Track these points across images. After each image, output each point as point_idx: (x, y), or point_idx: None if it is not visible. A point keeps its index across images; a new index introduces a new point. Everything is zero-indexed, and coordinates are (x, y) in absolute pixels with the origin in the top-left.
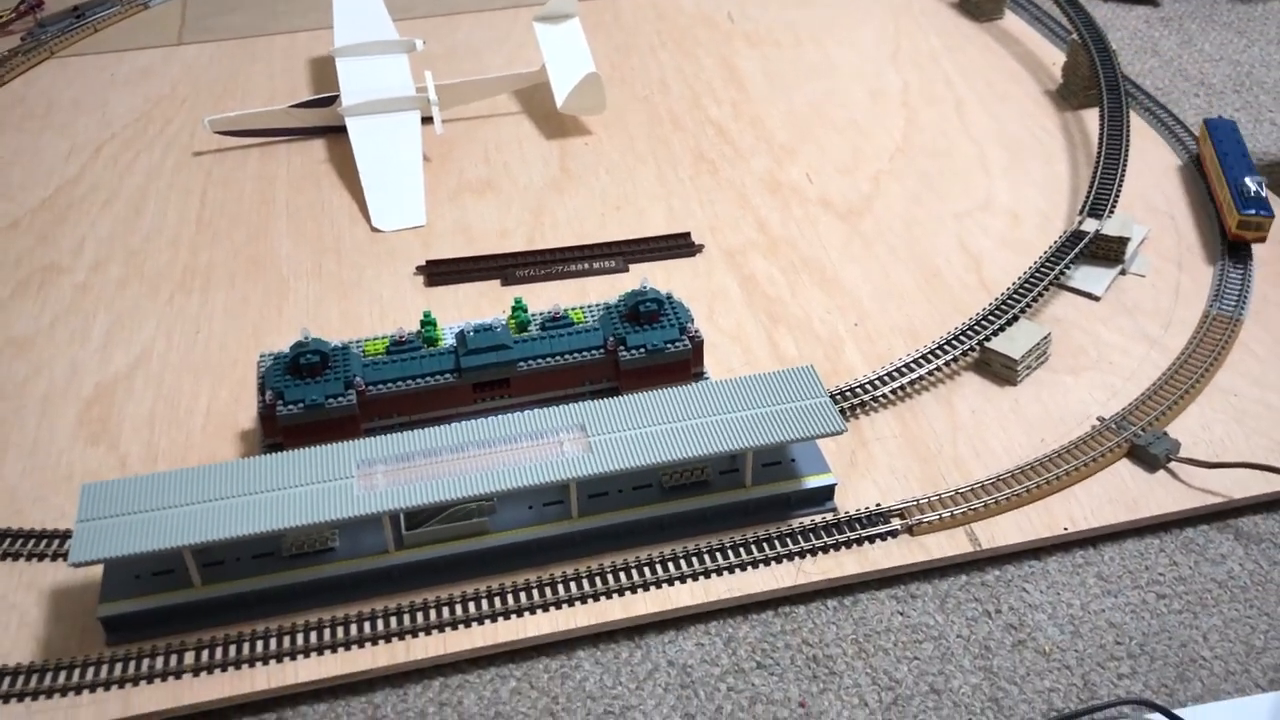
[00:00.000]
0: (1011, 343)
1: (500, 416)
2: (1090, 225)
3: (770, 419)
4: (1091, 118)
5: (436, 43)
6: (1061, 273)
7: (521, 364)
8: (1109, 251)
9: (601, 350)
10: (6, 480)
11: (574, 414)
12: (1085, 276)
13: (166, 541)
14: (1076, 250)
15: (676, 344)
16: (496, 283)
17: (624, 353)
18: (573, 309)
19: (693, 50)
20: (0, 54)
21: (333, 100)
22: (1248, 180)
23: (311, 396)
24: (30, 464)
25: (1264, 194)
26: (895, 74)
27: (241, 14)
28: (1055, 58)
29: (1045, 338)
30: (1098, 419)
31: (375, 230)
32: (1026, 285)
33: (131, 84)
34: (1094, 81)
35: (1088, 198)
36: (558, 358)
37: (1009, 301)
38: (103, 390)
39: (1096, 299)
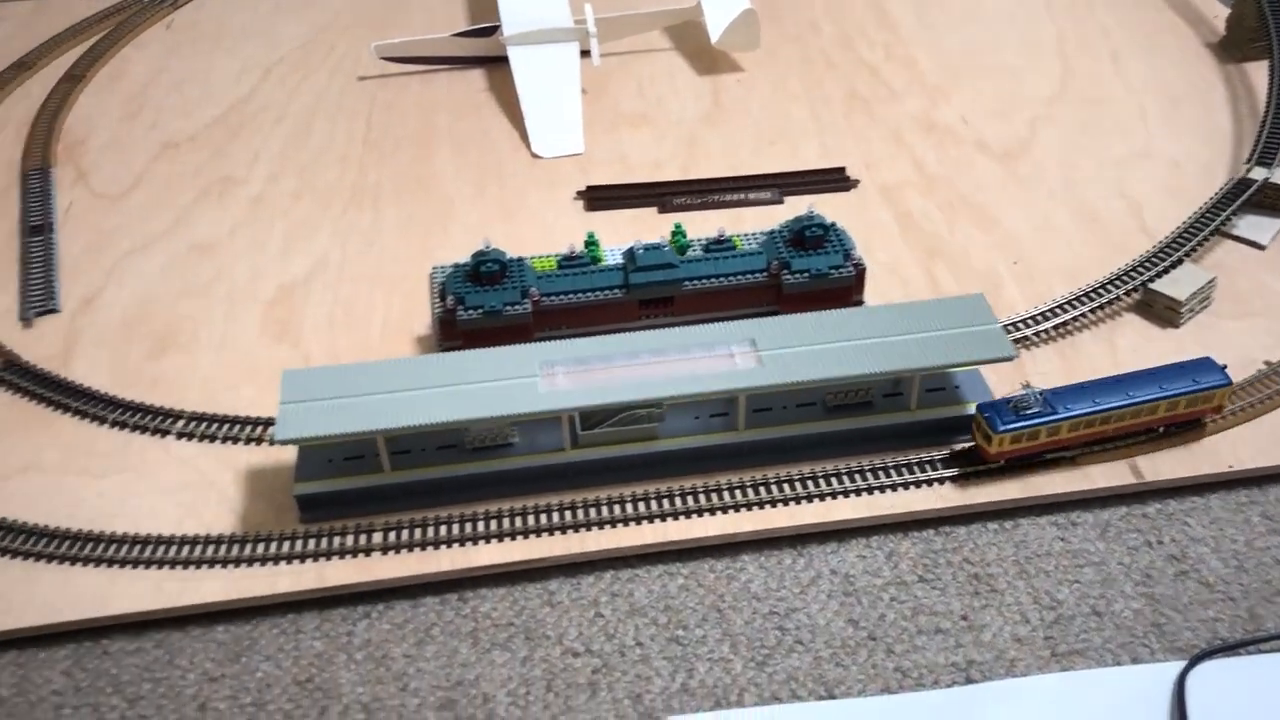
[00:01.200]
0: (1176, 285)
1: (673, 329)
2: (1259, 174)
3: (940, 343)
4: (1255, 71)
5: None
6: (1227, 220)
7: (686, 283)
8: (1276, 200)
9: (764, 273)
10: (201, 370)
11: (745, 329)
12: (1251, 225)
13: (363, 426)
14: (1244, 198)
15: (840, 270)
16: (653, 210)
17: (787, 276)
18: (734, 236)
19: None
20: None
21: (494, 30)
22: None
23: (490, 303)
24: (220, 357)
25: None
26: (1050, 22)
27: None
28: (1216, 10)
29: (1210, 281)
30: (1265, 363)
31: (535, 157)
32: (1190, 231)
33: (296, 11)
34: (1262, 32)
35: (1255, 146)
36: (721, 279)
37: (1172, 246)
38: (283, 293)
39: (1262, 248)
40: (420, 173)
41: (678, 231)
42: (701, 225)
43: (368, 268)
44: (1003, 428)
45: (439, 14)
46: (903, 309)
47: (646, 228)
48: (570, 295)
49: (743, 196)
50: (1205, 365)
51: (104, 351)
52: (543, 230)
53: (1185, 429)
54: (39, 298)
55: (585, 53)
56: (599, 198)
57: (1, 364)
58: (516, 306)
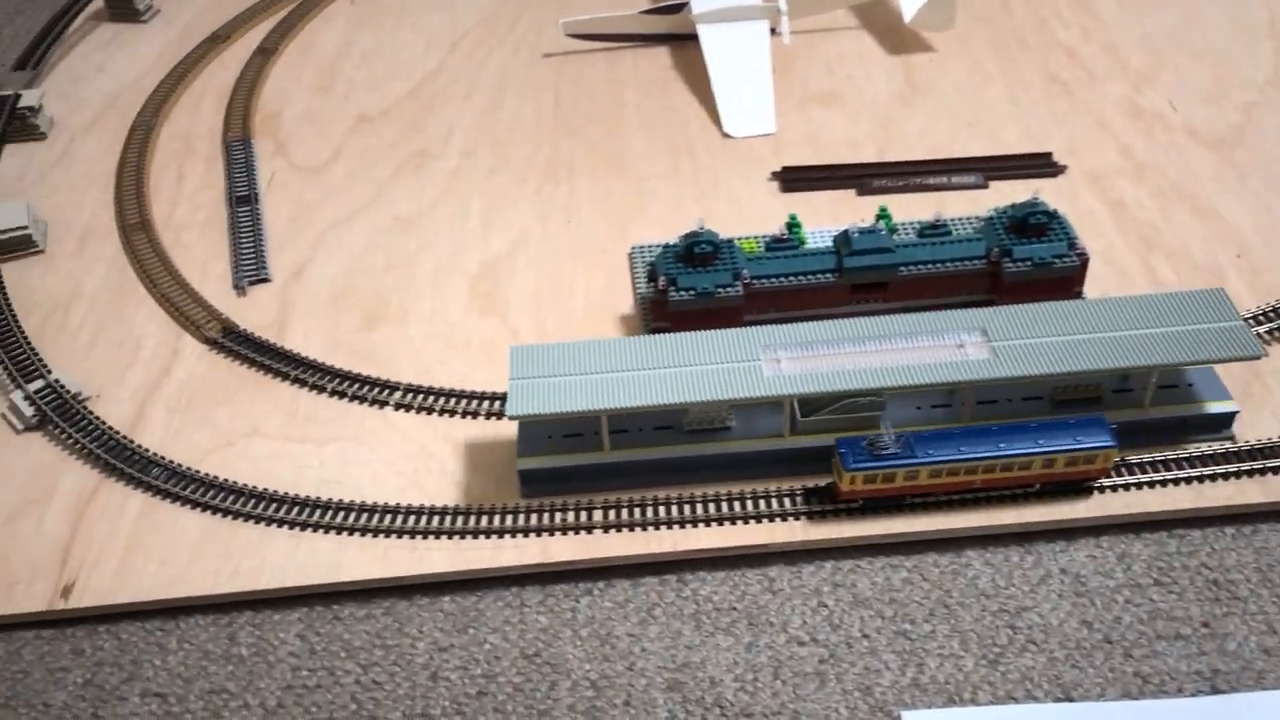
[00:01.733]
0: None
1: (898, 316)
2: None
3: (1180, 339)
4: None
5: None
6: None
7: (902, 269)
8: None
9: (983, 260)
10: (413, 343)
11: (974, 318)
12: None
13: (591, 405)
14: None
15: (1064, 259)
16: (851, 191)
17: (1008, 264)
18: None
19: None
20: None
21: (680, 8)
22: None
23: (703, 284)
24: (430, 330)
25: None
26: (1261, 4)
27: None
28: None
29: None
30: None
31: (726, 136)
32: None
33: None
34: None
35: None
36: (938, 265)
37: None
38: (487, 268)
39: None
40: (612, 150)
41: (883, 215)
42: (903, 209)
43: (567, 244)
44: (853, 466)
45: None
46: (1137, 302)
47: (845, 210)
48: (782, 278)
49: (946, 180)
50: (1092, 424)
51: (315, 321)
52: (738, 210)
53: (1070, 490)
54: (250, 267)
55: (773, 30)
56: (795, 179)
57: (221, 330)
58: (728, 289)
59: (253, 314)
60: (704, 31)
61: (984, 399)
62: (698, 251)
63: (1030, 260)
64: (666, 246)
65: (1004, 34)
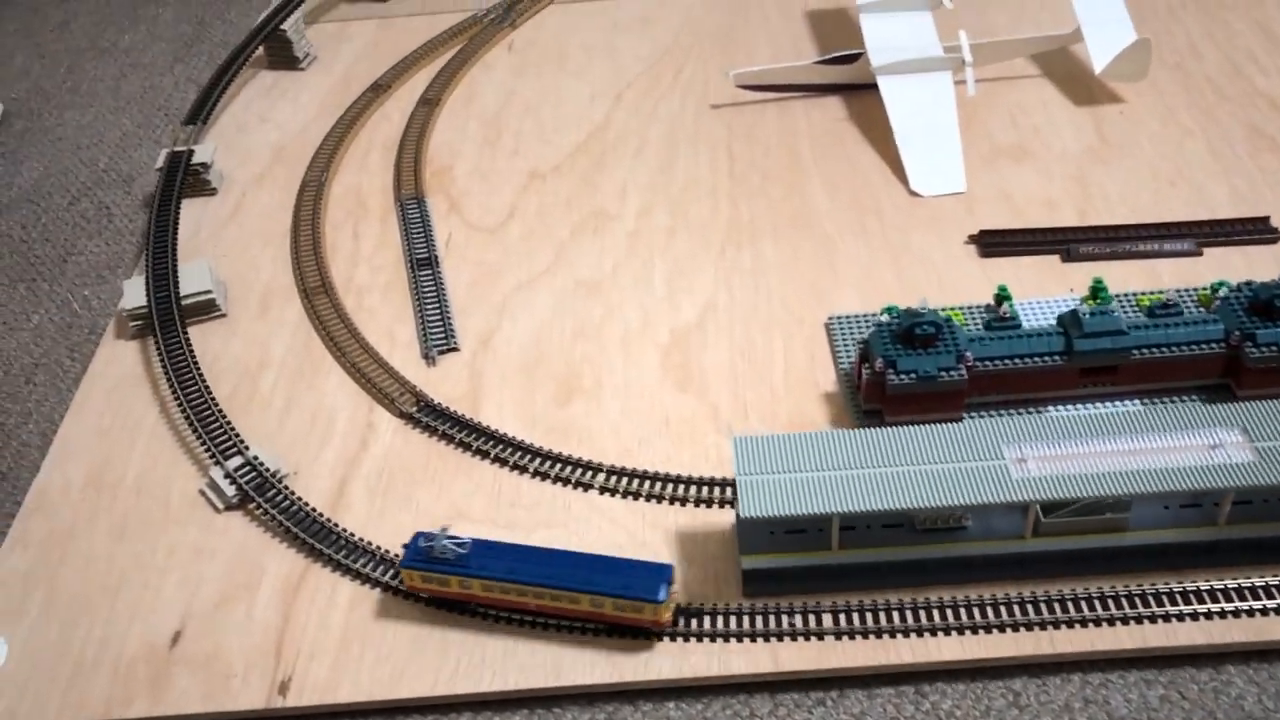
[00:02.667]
0: None
1: (1146, 409)
2: None
3: None
4: None
5: None
6: None
7: (1135, 352)
8: None
9: (1222, 344)
10: (609, 418)
11: (1231, 414)
12: None
13: (828, 506)
14: None
15: None
16: (1055, 258)
17: (1251, 350)
18: (1155, 292)
19: (1218, 13)
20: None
21: (857, 57)
22: None
23: (925, 368)
24: (627, 404)
25: None
26: None
27: None
28: None
29: None
30: None
31: (913, 194)
32: None
33: (635, 31)
34: None
35: None
36: (1173, 348)
37: None
38: (677, 338)
39: None
40: (794, 209)
41: (1099, 288)
42: (1111, 276)
43: (758, 311)
44: (408, 562)
45: (778, 28)
46: None
47: (1050, 278)
48: (1007, 361)
49: (1156, 247)
50: (654, 571)
51: (509, 393)
52: (936, 277)
53: (635, 634)
54: (438, 336)
55: (958, 81)
56: (995, 244)
57: (415, 404)
58: (952, 373)
59: (445, 385)
60: (885, 84)
61: (1241, 500)
62: (919, 333)
63: (1278, 346)
64: (879, 325)
65: (1197, 81)
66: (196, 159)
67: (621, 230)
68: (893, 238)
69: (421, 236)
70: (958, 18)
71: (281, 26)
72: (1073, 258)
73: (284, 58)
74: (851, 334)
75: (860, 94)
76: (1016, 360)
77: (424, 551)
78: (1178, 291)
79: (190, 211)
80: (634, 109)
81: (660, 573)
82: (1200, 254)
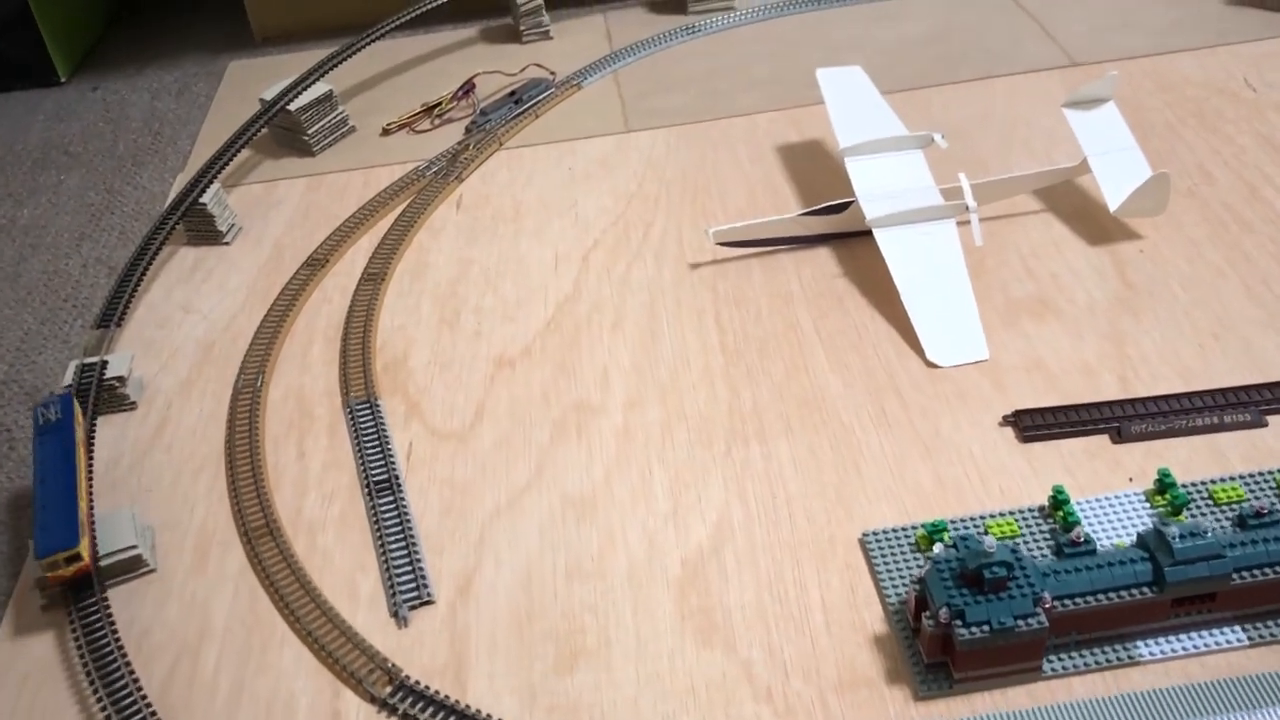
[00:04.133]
0: None
1: None
2: None
3: None
4: None
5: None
6: None
7: (1235, 575)
8: None
9: None
10: (624, 690)
11: None
12: None
13: None
14: None
15: None
16: (1105, 439)
17: None
18: (1228, 480)
19: (1219, 127)
20: (452, 147)
21: (846, 206)
22: None
23: (999, 617)
24: (643, 669)
25: None
26: None
27: (679, 94)
28: None
29: None
30: None
31: (931, 365)
32: None
33: (594, 179)
34: None
35: None
36: (1275, 569)
37: None
38: (691, 571)
39: None
40: (802, 391)
41: (1168, 482)
42: (1171, 457)
43: (780, 529)
44: None
45: (749, 168)
46: None
47: (1104, 463)
48: (1088, 598)
49: (1215, 420)
50: None
51: (499, 661)
52: (975, 472)
53: None
54: (408, 586)
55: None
56: (1035, 427)
57: (388, 686)
58: (1030, 620)
59: (421, 654)
60: (884, 239)
61: None
62: (990, 576)
63: None
64: (936, 561)
65: (1214, 209)
66: (111, 372)
67: (609, 427)
68: (918, 423)
69: (377, 452)
70: (946, 152)
71: (201, 200)
72: (1125, 438)
73: (205, 233)
74: (893, 554)
75: (850, 241)
76: (1100, 597)
77: None
78: (1255, 476)
79: (107, 433)
80: (604, 273)
81: None
82: (1265, 425)
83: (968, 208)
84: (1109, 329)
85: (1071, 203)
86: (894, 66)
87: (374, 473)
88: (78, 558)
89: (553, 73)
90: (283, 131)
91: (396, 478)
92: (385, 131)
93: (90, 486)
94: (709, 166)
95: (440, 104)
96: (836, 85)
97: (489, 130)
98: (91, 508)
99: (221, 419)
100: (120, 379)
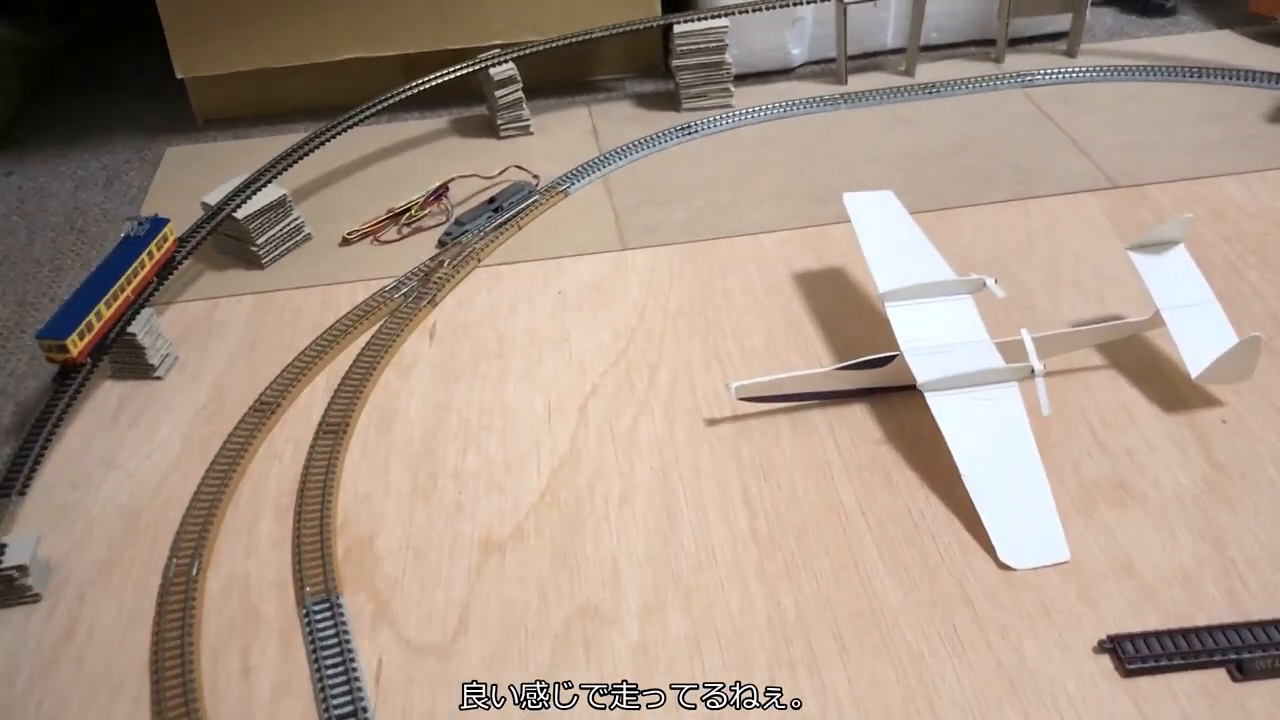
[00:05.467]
0: None
1: None
2: None
3: None
4: None
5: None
6: None
7: None
8: None
9: None
10: None
11: None
12: None
13: None
14: None
15: None
16: (1221, 673)
17: None
18: None
19: None
20: (424, 263)
21: (888, 360)
22: None
23: None
24: None
25: None
26: None
27: (679, 206)
28: None
29: None
30: None
31: (1004, 568)
32: None
33: (588, 306)
34: None
35: None
36: None
37: None
38: None
39: None
40: (852, 599)
41: None
42: None
43: None
44: None
45: (763, 295)
46: None
47: (1228, 708)
48: None
49: None
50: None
51: None
52: (1074, 715)
53: None
54: None
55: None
56: (1139, 658)
57: None
58: None
59: None
60: (939, 407)
61: None
62: None
63: None
64: None
65: None
66: (8, 561)
67: (622, 644)
68: (998, 647)
69: (339, 671)
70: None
71: (129, 329)
72: (1246, 675)
73: (134, 365)
74: None
75: (890, 397)
76: None
77: None
78: None
79: (6, 631)
80: (606, 429)
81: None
82: None
83: (1033, 370)
84: (1203, 523)
85: (1137, 356)
86: (916, 182)
87: (337, 702)
88: (64, 350)
89: (536, 176)
90: (228, 239)
91: (364, 710)
92: (345, 241)
93: (136, 303)
94: (719, 295)
95: (409, 210)
96: (868, 214)
97: (465, 243)
98: (128, 320)
99: (147, 617)
100: (20, 568)
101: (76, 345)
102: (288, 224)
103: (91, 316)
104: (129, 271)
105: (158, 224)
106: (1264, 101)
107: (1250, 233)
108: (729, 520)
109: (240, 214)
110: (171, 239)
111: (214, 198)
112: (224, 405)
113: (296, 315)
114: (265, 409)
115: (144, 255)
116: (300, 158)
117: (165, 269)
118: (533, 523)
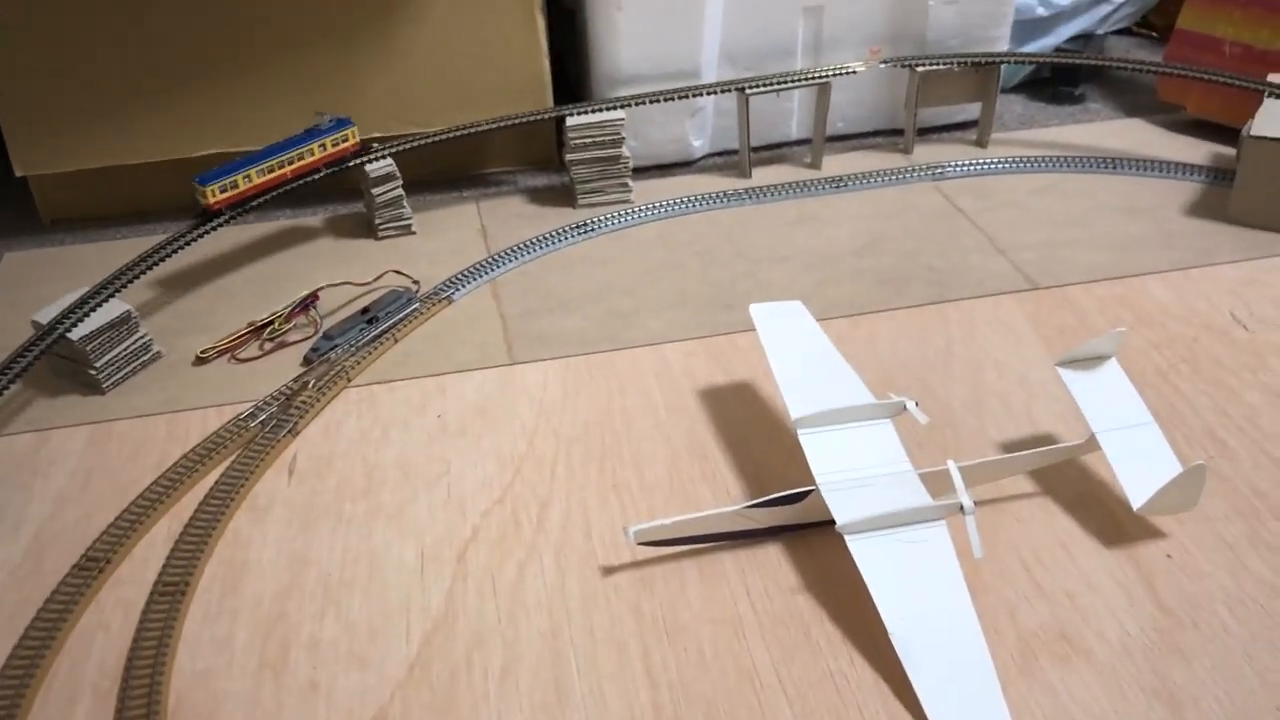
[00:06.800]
0: None
1: None
2: None
3: None
4: None
5: (854, 358)
6: None
7: None
8: None
9: None
10: None
11: None
12: None
13: None
14: None
15: None
16: None
17: None
18: None
19: (1219, 378)
20: (286, 385)
21: (803, 496)
22: None
23: None
24: None
25: None
26: None
27: (574, 314)
28: None
29: None
30: None
31: None
32: None
33: (471, 433)
34: None
35: None
36: None
37: None
38: None
39: None
40: None
41: None
42: None
43: None
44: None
45: (667, 421)
46: None
47: None
48: None
49: None
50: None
51: None
52: None
53: None
54: None
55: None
56: None
57: None
58: None
59: None
60: (862, 554)
61: None
62: None
63: None
64: None
65: (1242, 495)
66: None
67: None
68: None
69: None
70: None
71: None
72: None
73: None
74: None
75: (807, 534)
76: None
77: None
78: None
79: None
80: (487, 581)
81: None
82: None
83: (962, 509)
84: (1156, 682)
85: (1071, 483)
86: (827, 285)
87: None
88: (205, 196)
89: (416, 281)
90: (63, 360)
91: None
92: (200, 359)
93: (291, 182)
94: (617, 416)
95: (273, 323)
96: (776, 329)
97: (334, 360)
98: (269, 193)
99: None
100: None
101: (215, 195)
102: (132, 342)
103: (240, 177)
104: (295, 154)
105: (343, 122)
106: (1180, 194)
107: (1179, 338)
108: (627, 694)
109: (75, 334)
110: (354, 140)
111: (46, 315)
112: (43, 563)
113: (138, 449)
114: (92, 567)
115: (316, 145)
116: (152, 265)
117: (336, 164)
118: (399, 705)
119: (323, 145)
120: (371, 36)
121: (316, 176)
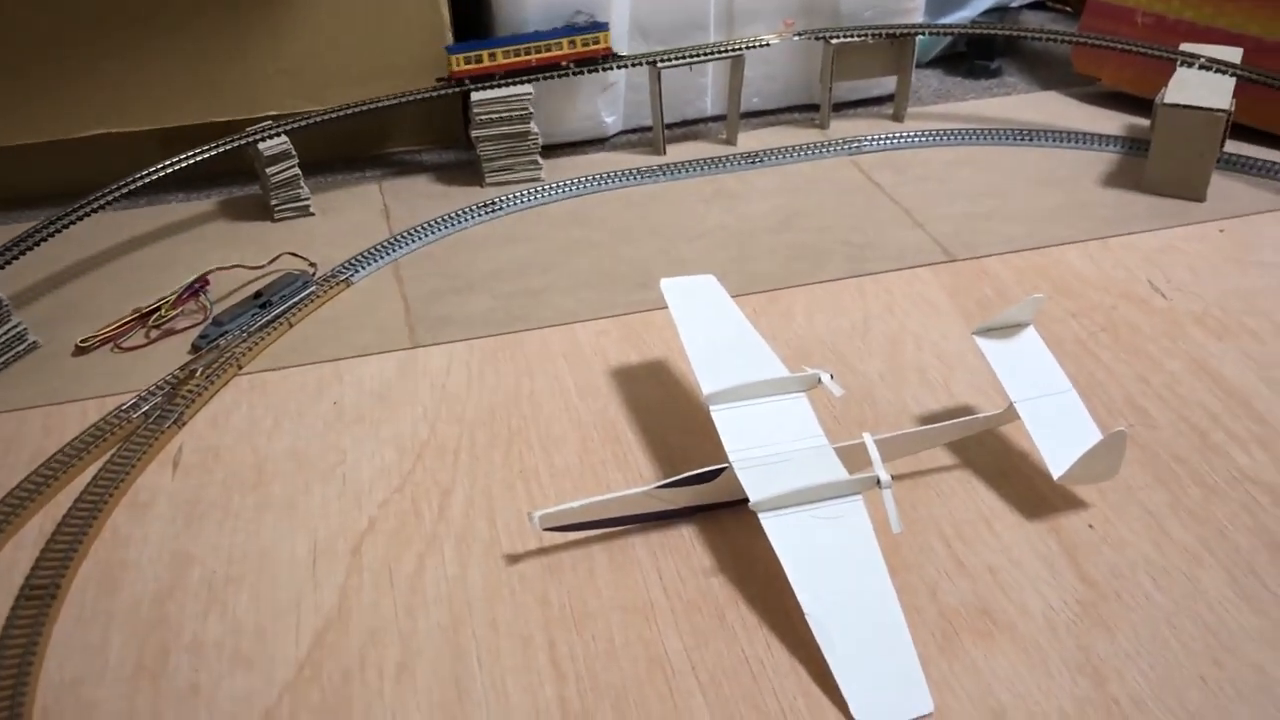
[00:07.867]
0: None
1: None
2: None
3: None
4: None
5: (770, 334)
6: None
7: None
8: None
9: None
10: None
11: None
12: None
13: None
14: None
15: None
16: None
17: None
18: None
19: (1139, 345)
20: (172, 373)
21: (715, 475)
22: None
23: None
24: None
25: None
26: None
27: (481, 294)
28: None
29: None
30: None
31: None
32: None
33: (369, 419)
34: None
35: None
36: None
37: None
38: None
39: None
40: None
41: None
42: None
43: None
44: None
45: (578, 403)
46: None
47: None
48: None
49: None
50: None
51: None
52: None
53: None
54: None
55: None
56: None
57: None
58: None
59: None
60: (776, 533)
61: None
62: None
63: None
64: None
65: (1164, 463)
66: None
67: None
68: None
69: None
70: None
71: None
72: None
73: None
74: None
75: (721, 516)
76: None
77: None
78: None
79: None
80: (384, 574)
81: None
82: None
83: (879, 484)
84: (1080, 656)
85: (992, 453)
86: (743, 261)
87: None
88: (450, 65)
89: (313, 264)
90: None
91: None
92: (80, 349)
93: (534, 71)
94: (525, 400)
95: (160, 309)
96: (688, 303)
97: (224, 346)
98: (511, 75)
99: None
100: None
101: (459, 64)
102: (5, 332)
103: (485, 53)
104: (543, 44)
105: (599, 25)
106: (1096, 164)
107: (1098, 307)
108: (532, 689)
109: None
110: (605, 44)
111: None
112: None
113: (9, 445)
114: None
115: (565, 40)
116: (25, 250)
117: (583, 63)
118: (286, 708)
119: (572, 42)
120: (263, 10)
121: (560, 73)
